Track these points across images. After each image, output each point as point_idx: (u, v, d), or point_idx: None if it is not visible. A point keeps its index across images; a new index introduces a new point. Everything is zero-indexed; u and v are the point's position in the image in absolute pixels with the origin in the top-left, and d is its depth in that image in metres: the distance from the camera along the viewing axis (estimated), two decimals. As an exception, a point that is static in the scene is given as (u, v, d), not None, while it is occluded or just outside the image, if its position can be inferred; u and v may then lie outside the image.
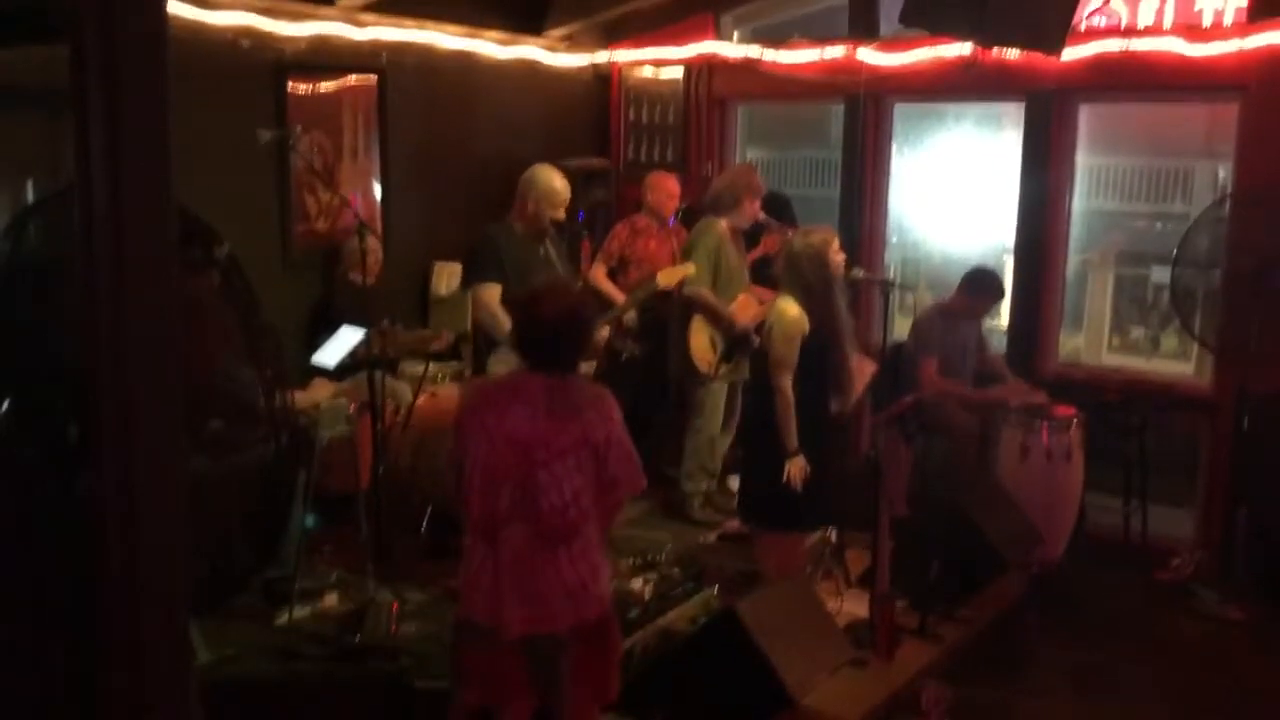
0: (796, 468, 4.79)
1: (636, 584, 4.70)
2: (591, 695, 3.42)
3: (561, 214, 5.27)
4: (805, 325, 4.84)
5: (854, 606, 4.98)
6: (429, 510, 5.68)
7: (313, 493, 5.08)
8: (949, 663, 4.75)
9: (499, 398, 3.32)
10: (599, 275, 6.50)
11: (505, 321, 5.00)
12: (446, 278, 6.66)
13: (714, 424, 6.15)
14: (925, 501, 5.59)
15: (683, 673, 4.12)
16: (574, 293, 3.56)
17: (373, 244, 5.89)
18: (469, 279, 5.29)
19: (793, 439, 4.80)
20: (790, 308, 4.86)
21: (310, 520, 5.09)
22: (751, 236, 6.42)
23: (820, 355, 4.88)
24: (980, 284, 6.13)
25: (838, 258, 4.94)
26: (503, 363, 5.02)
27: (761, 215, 6.17)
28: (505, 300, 5.12)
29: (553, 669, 3.30)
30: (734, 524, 5.87)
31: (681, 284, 5.81)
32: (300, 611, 4.87)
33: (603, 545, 3.42)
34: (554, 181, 5.26)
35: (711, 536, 6.01)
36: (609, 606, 3.43)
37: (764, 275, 6.07)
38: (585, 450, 3.21)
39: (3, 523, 2.71)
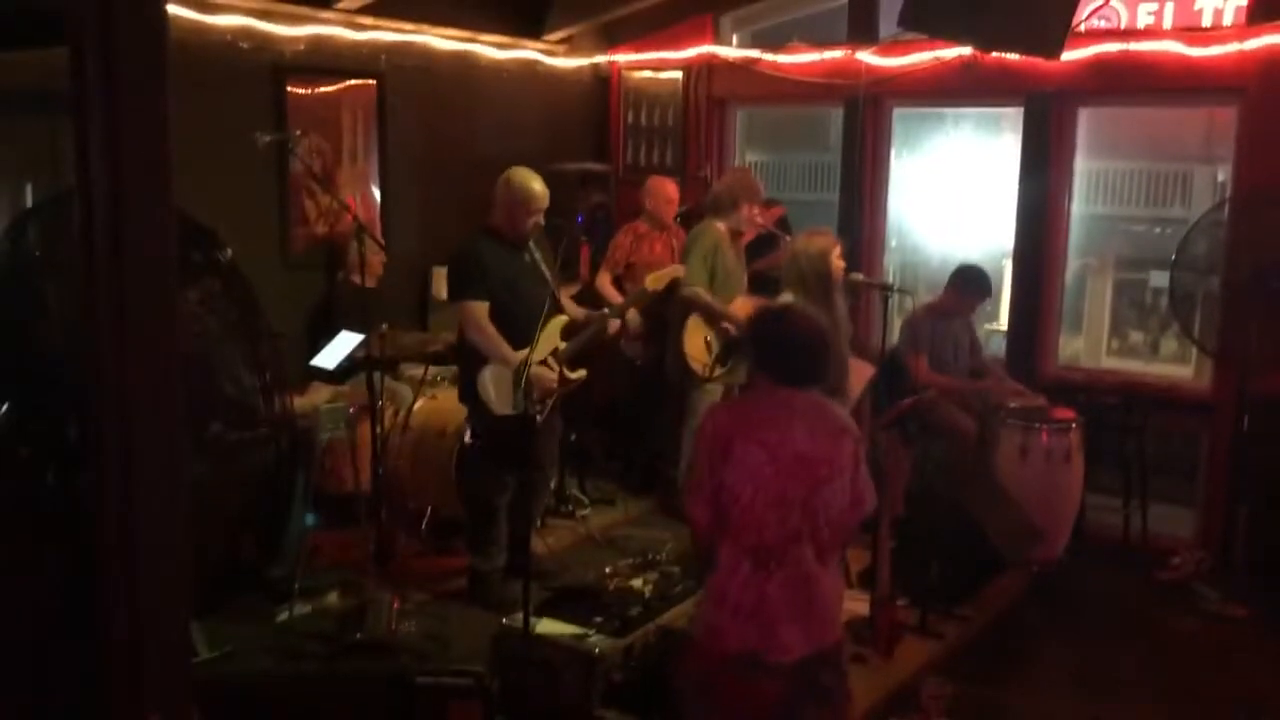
0: None
1: (637, 582, 4.71)
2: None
3: (540, 219, 5.05)
4: None
5: (854, 604, 4.99)
6: (429, 510, 5.70)
7: (313, 493, 5.09)
8: (949, 660, 4.76)
9: (774, 415, 3.19)
10: (604, 283, 6.49)
11: (497, 339, 4.91)
12: (445, 282, 6.65)
13: None
14: (925, 501, 5.60)
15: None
16: (816, 314, 3.49)
17: (371, 250, 5.92)
18: (454, 295, 5.06)
19: None
20: None
21: (310, 519, 5.11)
22: (759, 246, 6.44)
23: None
24: (967, 280, 6.17)
25: (838, 263, 5.03)
26: (494, 377, 4.96)
27: (772, 228, 6.21)
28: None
29: (822, 691, 3.17)
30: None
31: (673, 285, 5.78)
32: (301, 609, 4.88)
33: None
34: (531, 185, 5.00)
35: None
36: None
37: (764, 287, 6.09)
38: (850, 467, 3.17)
39: (3, 522, 2.71)
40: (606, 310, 5.54)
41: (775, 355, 3.23)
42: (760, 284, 6.24)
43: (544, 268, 5.05)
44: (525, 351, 4.86)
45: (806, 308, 3.38)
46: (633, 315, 6.01)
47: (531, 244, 5.07)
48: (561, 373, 5.05)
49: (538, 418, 4.97)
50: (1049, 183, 6.51)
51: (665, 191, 6.63)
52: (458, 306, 5.03)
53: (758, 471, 3.10)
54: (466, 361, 5.08)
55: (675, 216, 6.74)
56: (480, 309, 4.94)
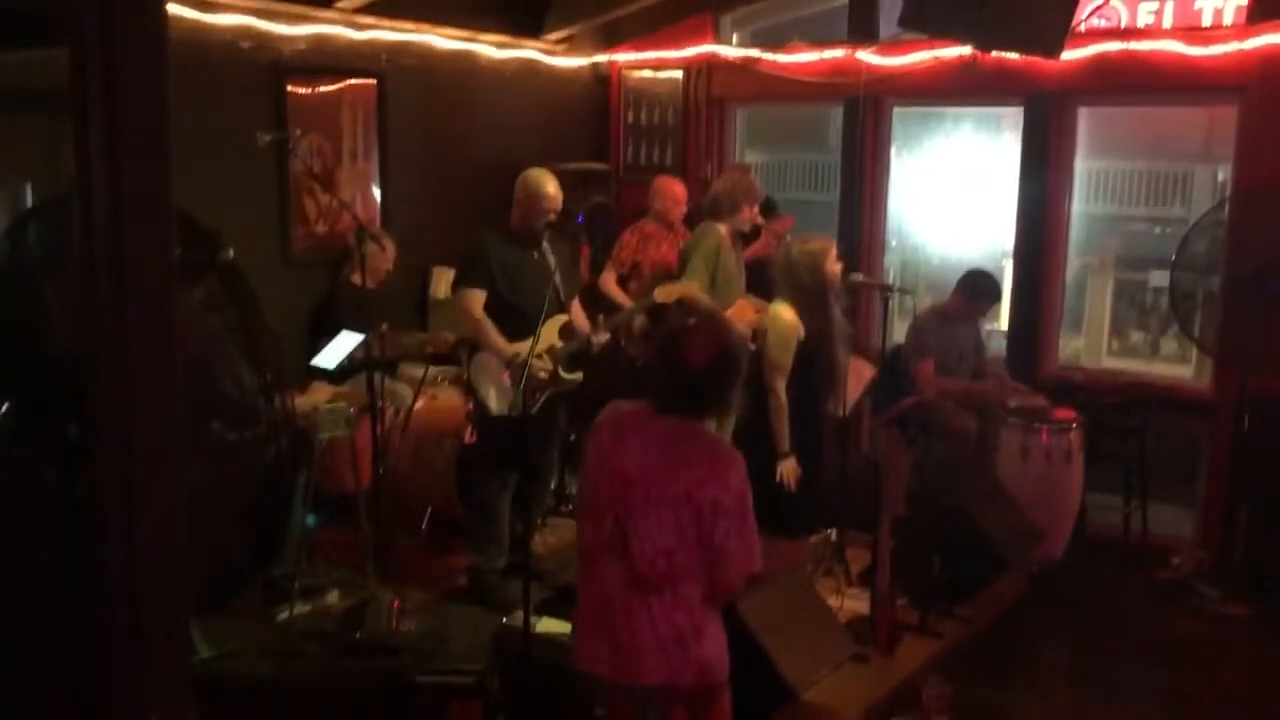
0: (789, 469, 4.89)
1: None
2: None
3: (551, 218, 5.13)
4: (800, 330, 4.93)
5: (855, 604, 4.99)
6: (429, 510, 5.70)
7: (313, 493, 5.10)
8: (950, 660, 4.75)
9: (623, 425, 3.09)
10: (610, 283, 6.48)
11: (487, 326, 5.01)
12: (445, 281, 6.67)
13: None
14: (926, 501, 5.60)
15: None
16: (724, 336, 3.16)
17: (387, 245, 5.95)
18: (457, 283, 5.25)
19: (785, 441, 4.87)
20: (785, 312, 4.97)
21: (310, 519, 5.11)
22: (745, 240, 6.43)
23: (814, 360, 4.95)
24: (977, 286, 6.13)
25: (835, 267, 5.04)
26: (483, 368, 5.01)
27: (759, 219, 6.18)
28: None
29: None
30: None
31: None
32: (301, 609, 4.87)
33: (712, 609, 3.07)
34: (544, 185, 5.11)
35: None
36: (719, 675, 3.11)
37: (759, 280, 6.07)
38: (686, 510, 2.90)
39: (3, 523, 2.71)
40: (621, 316, 5.69)
41: (657, 384, 3.10)
42: (756, 284, 6.22)
43: (554, 269, 5.08)
44: (518, 345, 4.89)
45: (710, 337, 3.07)
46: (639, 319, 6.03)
47: (546, 245, 5.13)
48: (555, 370, 5.08)
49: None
50: (1049, 182, 6.51)
51: (673, 192, 6.62)
52: (457, 294, 5.17)
53: (591, 472, 3.12)
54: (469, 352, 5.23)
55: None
56: (475, 296, 5.06)
